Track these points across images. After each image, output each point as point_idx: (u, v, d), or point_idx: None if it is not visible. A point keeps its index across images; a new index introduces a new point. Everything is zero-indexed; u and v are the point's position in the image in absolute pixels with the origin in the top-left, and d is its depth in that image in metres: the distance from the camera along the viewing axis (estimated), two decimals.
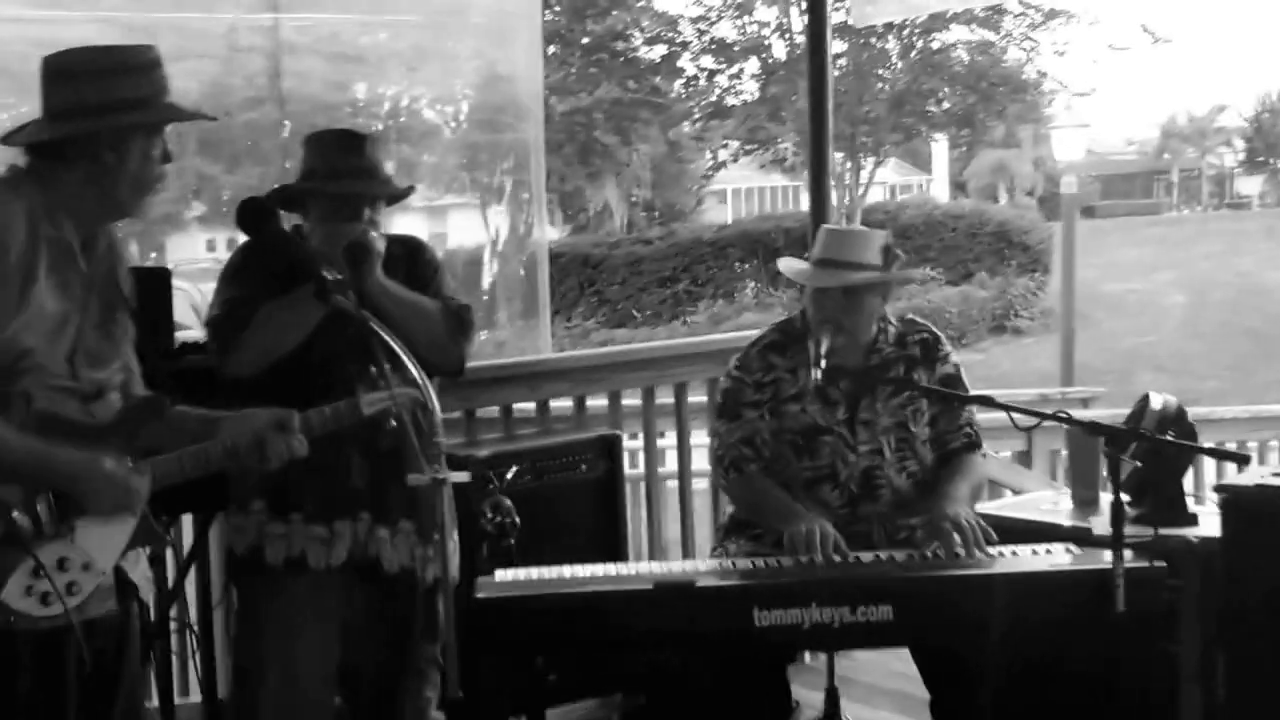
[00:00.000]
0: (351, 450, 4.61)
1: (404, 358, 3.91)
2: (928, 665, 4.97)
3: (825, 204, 6.90)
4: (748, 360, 5.12)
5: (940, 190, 50.85)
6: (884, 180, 45.98)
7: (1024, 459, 8.53)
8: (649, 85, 34.45)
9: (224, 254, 4.53)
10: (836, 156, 33.82)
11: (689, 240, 33.66)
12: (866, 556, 4.63)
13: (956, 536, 4.60)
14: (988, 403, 4.86)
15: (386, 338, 3.93)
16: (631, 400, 6.81)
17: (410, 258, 4.86)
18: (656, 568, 4.72)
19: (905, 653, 5.08)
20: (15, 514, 3.50)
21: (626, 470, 6.36)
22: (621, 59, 34.31)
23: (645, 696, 5.75)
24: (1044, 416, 4.55)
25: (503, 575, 4.57)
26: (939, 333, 5.24)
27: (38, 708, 3.61)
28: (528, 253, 10.36)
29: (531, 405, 6.44)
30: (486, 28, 8.73)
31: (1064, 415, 4.52)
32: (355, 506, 4.67)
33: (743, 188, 46.79)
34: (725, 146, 37.85)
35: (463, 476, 4.04)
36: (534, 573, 4.58)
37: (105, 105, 3.64)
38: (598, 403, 6.71)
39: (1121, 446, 4.41)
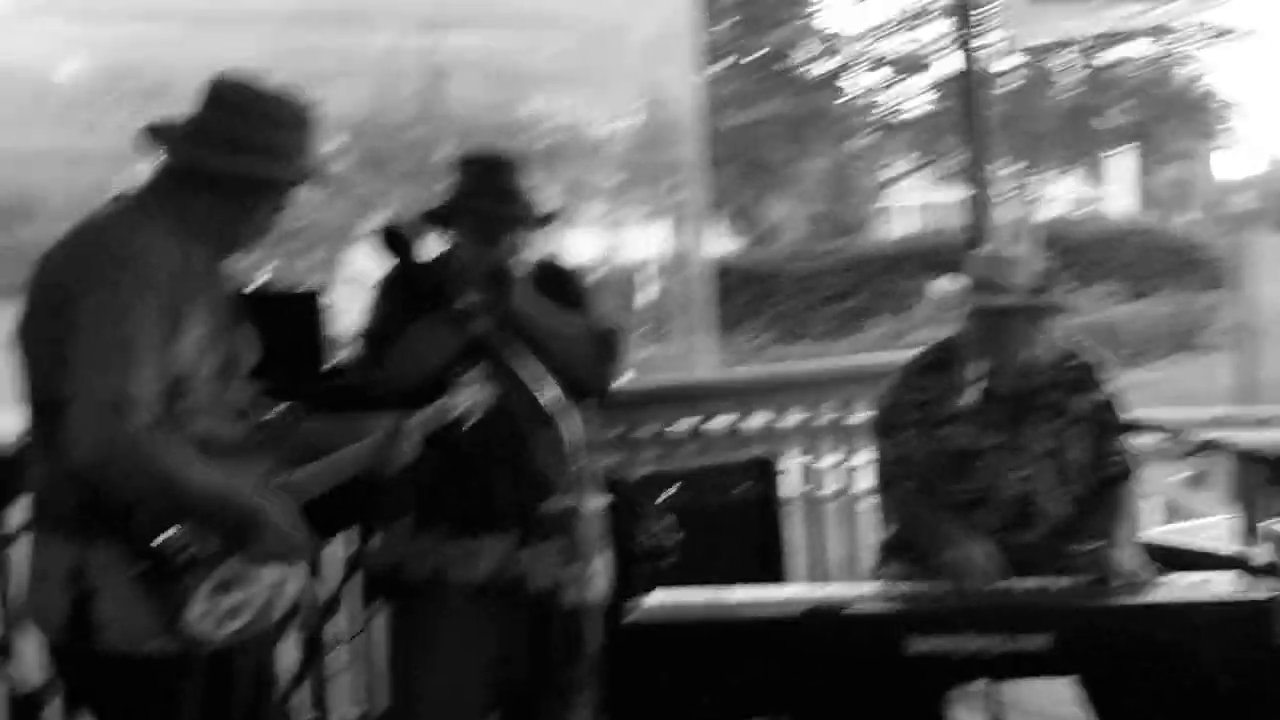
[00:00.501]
0: (499, 468, 4.60)
1: (544, 382, 3.91)
2: (1091, 692, 4.88)
3: (984, 223, 6.85)
4: (904, 380, 5.09)
5: (1121, 204, 50.16)
6: (1063, 194, 45.53)
7: (1199, 480, 8.41)
8: (819, 100, 34.36)
9: None
10: (1008, 172, 33.56)
11: (862, 255, 33.45)
12: (1024, 583, 4.58)
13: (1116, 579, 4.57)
14: (1146, 429, 4.77)
15: (522, 364, 3.94)
16: (794, 419, 6.78)
17: (560, 280, 4.84)
18: (811, 591, 4.72)
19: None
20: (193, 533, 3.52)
21: (794, 490, 6.37)
22: (792, 74, 34.25)
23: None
24: (1202, 446, 4.46)
25: (656, 597, 4.62)
26: (1099, 356, 5.14)
27: None
28: (693, 270, 10.38)
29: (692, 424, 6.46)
30: (644, 47, 8.76)
31: (1223, 443, 4.42)
32: (501, 524, 4.63)
33: (920, 202, 46.54)
34: (897, 161, 37.70)
35: (601, 502, 4.03)
36: (687, 595, 4.61)
37: (272, 151, 3.65)
38: (759, 423, 6.70)
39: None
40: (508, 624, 4.68)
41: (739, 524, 5.85)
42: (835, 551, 6.94)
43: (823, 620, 4.33)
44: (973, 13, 7.24)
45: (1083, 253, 32.54)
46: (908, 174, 37.10)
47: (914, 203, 43.89)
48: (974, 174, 7.02)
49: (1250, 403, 20.12)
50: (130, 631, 3.44)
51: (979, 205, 6.97)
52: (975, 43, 7.10)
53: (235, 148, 3.62)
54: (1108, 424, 4.98)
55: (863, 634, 4.35)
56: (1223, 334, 30.00)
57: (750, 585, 4.71)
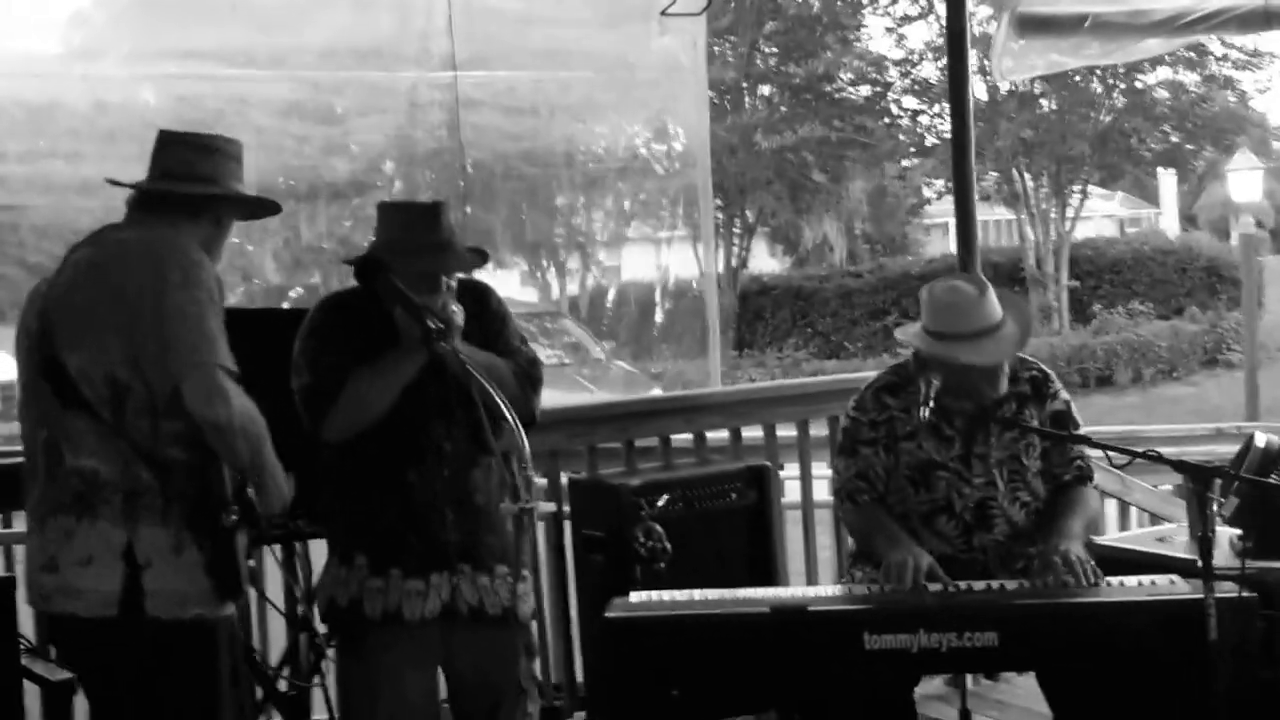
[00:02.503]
0: (446, 506, 4.83)
1: (501, 402, 4.28)
2: (1045, 686, 5.25)
3: (972, 252, 7.10)
4: (864, 401, 5.40)
5: (1169, 224, 50.09)
6: (1111, 214, 45.56)
7: (1181, 491, 8.64)
8: (856, 124, 34.59)
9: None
10: (1042, 194, 33.74)
11: (898, 274, 33.71)
12: (978, 585, 4.87)
13: (1066, 572, 4.86)
14: (1087, 442, 5.12)
15: (484, 383, 4.31)
16: (789, 431, 7.09)
17: (479, 305, 4.97)
18: (782, 593, 4.99)
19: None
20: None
21: (789, 498, 6.67)
22: (829, 99, 34.51)
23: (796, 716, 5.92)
24: (1135, 455, 4.76)
25: (636, 597, 4.90)
26: (1049, 371, 5.46)
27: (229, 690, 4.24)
28: (704, 289, 10.72)
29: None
30: (654, 81, 9.10)
31: (1153, 454, 4.72)
32: (453, 559, 4.83)
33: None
34: (929, 184, 37.94)
35: (549, 507, 4.37)
36: (666, 595, 4.89)
37: (233, 179, 4.33)
38: (756, 434, 7.01)
39: (1207, 483, 4.57)
40: (467, 643, 4.93)
41: (735, 530, 6.12)
42: (828, 558, 7.26)
43: (787, 618, 4.63)
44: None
45: (1117, 271, 32.81)
46: (942, 196, 37.32)
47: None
48: (961, 200, 7.25)
49: (1252, 419, 20.28)
50: (178, 598, 4.02)
51: (965, 230, 7.21)
52: (948, 73, 7.35)
53: (229, 180, 4.32)
54: (1057, 436, 5.29)
55: (823, 631, 4.64)
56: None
57: (740, 588, 4.95)
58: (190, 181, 4.25)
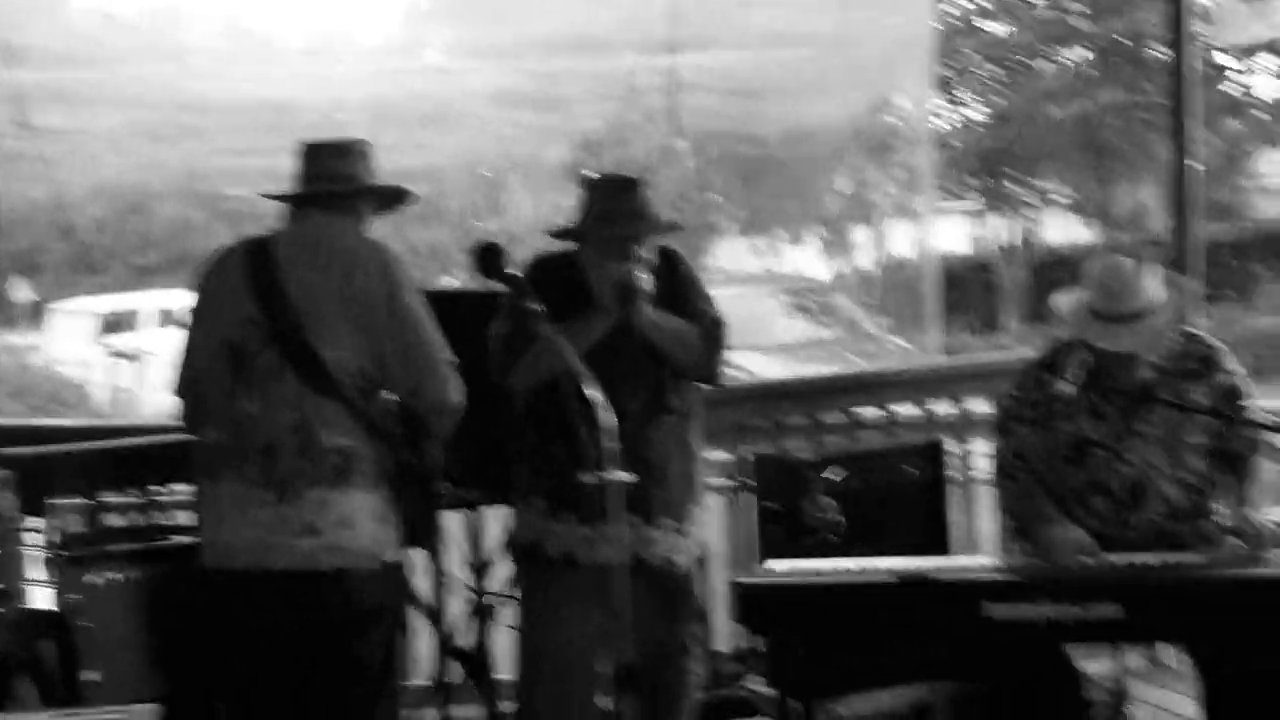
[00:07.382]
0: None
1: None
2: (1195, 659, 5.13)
3: (1185, 228, 7.07)
4: (1020, 380, 5.46)
5: None
6: None
7: None
8: (1161, 85, 33.51)
9: None
10: None
11: (1206, 241, 32.68)
12: (1120, 560, 4.94)
13: (1240, 540, 4.97)
14: (1253, 423, 5.15)
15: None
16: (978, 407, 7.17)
17: (668, 270, 5.26)
18: (917, 564, 5.06)
19: None
20: None
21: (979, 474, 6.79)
22: (1135, 60, 33.61)
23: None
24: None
25: (775, 565, 5.12)
26: (1219, 346, 5.36)
27: None
28: (920, 266, 10.79)
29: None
30: (878, 58, 9.21)
31: None
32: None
33: None
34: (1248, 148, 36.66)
35: (628, 478, 4.60)
36: (806, 564, 5.08)
37: (369, 176, 4.92)
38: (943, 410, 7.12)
39: None
40: (634, 592, 4.94)
41: (908, 504, 6.25)
42: None
43: (906, 588, 4.78)
44: None
45: None
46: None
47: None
48: (1178, 171, 7.21)
49: None
50: (394, 547, 4.67)
51: (1180, 203, 7.17)
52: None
53: (343, 179, 4.84)
54: (1230, 409, 5.22)
55: (942, 600, 4.77)
56: None
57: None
58: (338, 182, 4.79)
